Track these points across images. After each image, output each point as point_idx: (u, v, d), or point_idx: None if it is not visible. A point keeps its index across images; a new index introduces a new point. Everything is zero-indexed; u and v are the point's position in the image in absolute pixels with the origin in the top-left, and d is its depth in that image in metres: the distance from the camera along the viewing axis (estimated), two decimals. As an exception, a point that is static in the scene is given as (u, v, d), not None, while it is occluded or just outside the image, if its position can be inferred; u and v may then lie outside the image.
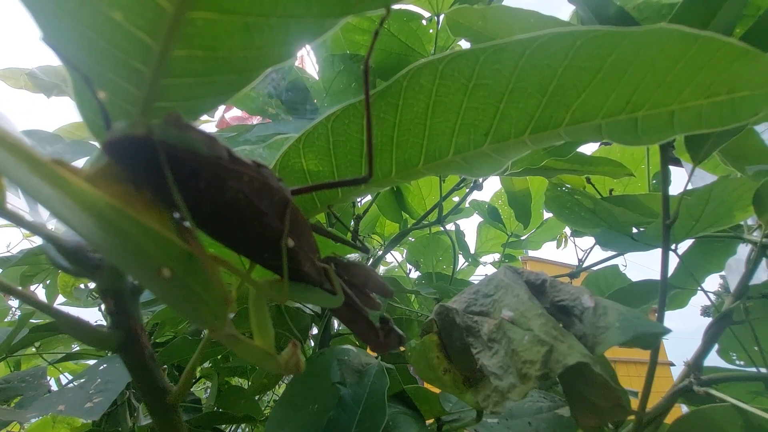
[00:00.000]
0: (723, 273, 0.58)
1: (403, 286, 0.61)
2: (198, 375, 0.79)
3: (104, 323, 0.19)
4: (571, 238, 0.73)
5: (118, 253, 0.10)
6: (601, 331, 0.25)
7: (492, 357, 0.27)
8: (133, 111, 0.14)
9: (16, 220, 0.13)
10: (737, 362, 0.47)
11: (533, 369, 0.23)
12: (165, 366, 0.63)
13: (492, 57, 0.16)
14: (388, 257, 0.98)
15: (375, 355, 0.49)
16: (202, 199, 0.12)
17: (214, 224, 0.13)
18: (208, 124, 0.85)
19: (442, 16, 0.56)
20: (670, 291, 0.55)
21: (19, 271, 0.68)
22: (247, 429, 0.80)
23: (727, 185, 0.39)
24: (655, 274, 0.39)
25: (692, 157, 0.34)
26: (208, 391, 0.73)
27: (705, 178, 0.51)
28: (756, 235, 0.44)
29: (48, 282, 0.81)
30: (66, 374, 0.83)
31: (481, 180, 0.65)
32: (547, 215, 0.80)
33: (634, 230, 0.51)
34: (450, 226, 0.81)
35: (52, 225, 0.15)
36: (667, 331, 0.26)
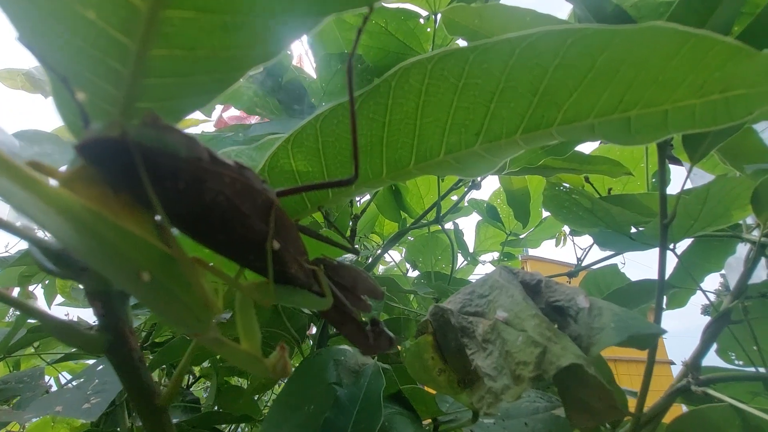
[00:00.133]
0: (723, 272, 0.58)
1: (401, 285, 0.61)
2: (197, 374, 0.79)
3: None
4: (570, 236, 0.73)
5: (95, 257, 0.10)
6: (596, 331, 0.25)
7: (486, 358, 0.26)
8: (114, 111, 0.13)
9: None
10: (736, 362, 0.47)
11: (527, 370, 0.23)
12: (164, 366, 0.63)
13: (481, 56, 0.16)
14: (387, 257, 0.98)
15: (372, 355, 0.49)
16: (182, 201, 0.12)
17: (196, 227, 0.13)
18: (206, 124, 0.85)
19: (439, 15, 0.55)
20: (669, 290, 0.55)
21: (18, 272, 0.68)
22: (246, 429, 0.80)
23: (725, 184, 0.39)
24: (655, 273, 0.38)
25: (689, 156, 0.34)
26: (207, 390, 0.73)
27: (705, 177, 0.51)
28: (755, 234, 0.44)
29: (47, 282, 0.80)
30: (65, 373, 0.83)
31: (479, 179, 0.64)
32: (545, 214, 0.79)
33: (633, 230, 0.51)
34: (449, 225, 0.81)
35: (37, 228, 0.15)
36: (663, 331, 0.26)
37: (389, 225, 0.89)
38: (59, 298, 0.81)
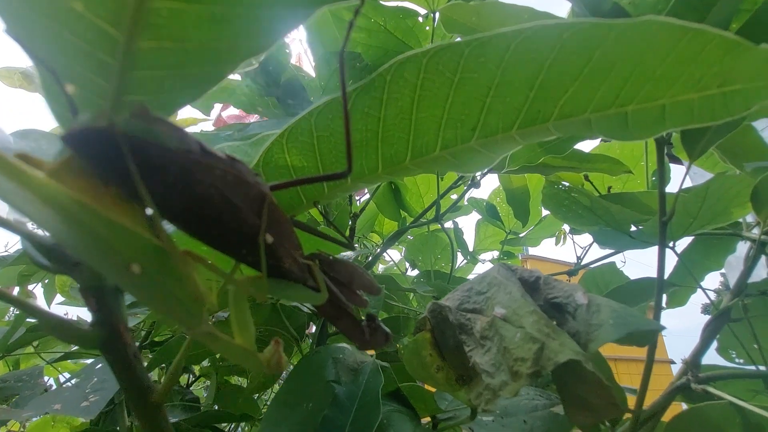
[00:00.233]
0: (723, 271, 0.58)
1: (400, 284, 0.61)
2: (197, 374, 0.79)
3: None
4: (570, 235, 0.73)
5: (84, 249, 0.10)
6: (594, 328, 0.25)
7: (484, 354, 0.26)
8: (104, 104, 0.13)
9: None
10: (736, 360, 0.47)
11: (524, 366, 0.23)
12: (163, 365, 0.63)
13: (477, 50, 0.16)
14: (387, 256, 0.98)
15: (371, 353, 0.49)
16: (172, 193, 0.12)
17: (188, 220, 0.13)
18: (205, 123, 0.85)
19: (438, 13, 0.55)
20: (669, 289, 0.55)
21: (17, 271, 0.68)
22: (246, 428, 0.80)
23: (725, 182, 0.39)
24: (655, 272, 0.38)
25: (688, 153, 0.34)
26: (207, 389, 0.73)
27: (705, 176, 0.51)
28: (754, 233, 0.44)
29: (47, 281, 0.80)
30: (65, 374, 0.83)
31: (478, 177, 0.64)
32: (545, 212, 0.79)
33: (633, 228, 0.50)
34: (448, 224, 0.81)
35: (29, 222, 0.15)
36: (662, 328, 0.26)
37: (389, 224, 0.89)
38: (59, 298, 0.81)
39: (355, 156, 0.19)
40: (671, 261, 0.61)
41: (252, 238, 0.14)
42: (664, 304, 0.43)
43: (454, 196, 0.73)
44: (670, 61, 0.16)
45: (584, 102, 0.17)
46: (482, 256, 0.93)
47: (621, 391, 0.36)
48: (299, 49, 0.98)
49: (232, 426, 0.77)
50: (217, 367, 0.66)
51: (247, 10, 0.12)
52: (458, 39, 0.16)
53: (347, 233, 0.68)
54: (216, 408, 0.63)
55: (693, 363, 0.39)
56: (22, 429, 0.85)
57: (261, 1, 0.12)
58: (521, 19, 0.35)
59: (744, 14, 0.35)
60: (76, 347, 0.76)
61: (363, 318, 0.19)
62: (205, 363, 0.67)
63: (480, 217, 0.88)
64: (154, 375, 0.71)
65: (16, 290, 0.75)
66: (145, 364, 0.49)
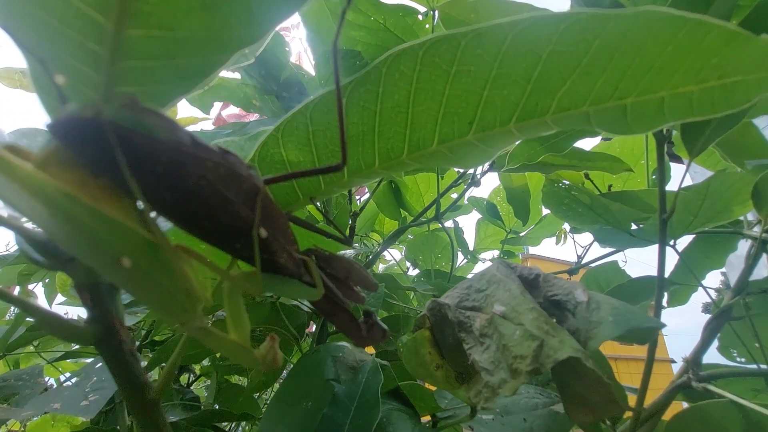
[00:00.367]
0: (724, 270, 0.57)
1: (400, 283, 0.61)
2: (197, 373, 0.79)
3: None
4: (570, 234, 0.73)
5: (74, 242, 0.10)
6: (594, 325, 0.24)
7: (483, 352, 0.26)
8: (94, 95, 0.13)
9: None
10: (738, 359, 0.46)
11: (524, 364, 0.23)
12: (163, 364, 0.63)
13: (474, 42, 0.16)
14: (387, 255, 0.98)
15: (371, 351, 0.48)
16: (163, 185, 0.12)
17: (180, 213, 0.13)
18: (205, 122, 0.85)
19: (437, 11, 0.55)
20: (670, 287, 0.54)
21: (18, 270, 0.68)
22: (246, 427, 0.80)
23: (725, 180, 0.39)
24: (655, 270, 0.38)
25: (688, 150, 0.34)
26: (208, 389, 0.73)
27: (706, 174, 0.51)
28: (756, 231, 0.43)
29: (47, 281, 0.81)
30: (66, 374, 0.83)
31: (478, 176, 0.64)
32: (546, 211, 0.79)
33: (633, 226, 0.50)
34: (449, 223, 0.80)
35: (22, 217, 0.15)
36: (662, 325, 0.26)
37: (389, 223, 0.89)
38: (60, 297, 0.81)
39: (352, 150, 0.18)
40: (672, 259, 0.61)
41: (246, 232, 0.14)
42: (664, 303, 0.43)
43: (455, 195, 0.73)
44: (669, 52, 0.16)
45: (582, 94, 0.17)
46: (482, 256, 0.93)
47: (621, 390, 0.36)
48: (299, 47, 0.98)
49: (233, 425, 0.77)
50: (218, 367, 0.66)
51: (238, -2, 0.12)
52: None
53: (347, 232, 0.68)
54: (216, 407, 0.63)
55: (694, 361, 0.39)
56: (22, 428, 0.85)
57: (251, -12, 0.12)
58: (520, 16, 0.34)
59: (743, 10, 0.34)
60: (76, 346, 0.76)
61: (362, 314, 0.19)
62: (206, 362, 0.67)
63: (480, 216, 0.88)
64: (154, 374, 0.71)
65: (16, 290, 0.75)
66: (146, 363, 0.49)
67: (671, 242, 0.44)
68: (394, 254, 0.97)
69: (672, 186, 0.38)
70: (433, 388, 0.39)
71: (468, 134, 0.18)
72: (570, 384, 0.26)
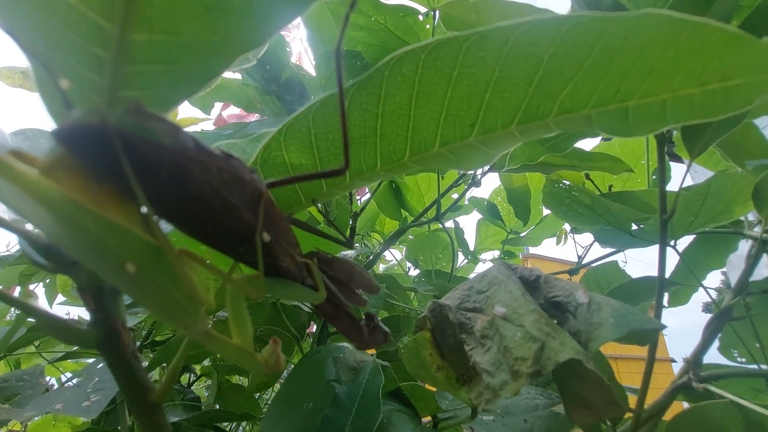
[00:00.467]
0: (724, 269, 0.57)
1: (401, 283, 0.61)
2: (198, 373, 0.79)
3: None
4: (571, 234, 0.73)
5: (78, 248, 0.10)
6: (594, 327, 0.24)
7: (484, 354, 0.26)
8: (99, 100, 0.13)
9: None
10: (738, 359, 0.46)
11: (525, 366, 0.23)
12: (164, 364, 0.63)
13: (475, 45, 0.16)
14: (388, 255, 0.98)
15: (371, 352, 0.48)
16: (167, 191, 0.12)
17: (183, 218, 0.13)
18: (206, 122, 0.85)
19: (438, 11, 0.55)
20: (671, 288, 0.54)
21: (18, 270, 0.68)
22: (247, 427, 0.80)
23: (726, 180, 0.39)
24: (656, 270, 0.38)
25: (689, 151, 0.34)
26: (208, 389, 0.73)
27: (707, 175, 0.51)
28: (756, 231, 0.43)
29: (48, 281, 0.81)
30: (67, 374, 0.83)
31: (479, 176, 0.64)
32: (546, 212, 0.79)
33: (634, 227, 0.50)
34: (449, 224, 0.80)
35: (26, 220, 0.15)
36: (663, 327, 0.26)
37: (390, 223, 0.89)
38: (61, 297, 0.81)
39: (354, 153, 0.18)
40: (672, 259, 0.61)
41: (249, 237, 0.14)
42: (665, 303, 0.43)
43: (455, 196, 0.73)
44: (671, 55, 0.16)
45: (584, 97, 0.17)
46: (483, 256, 0.93)
47: (622, 390, 0.36)
48: (300, 47, 0.98)
49: (233, 425, 0.77)
50: (218, 367, 0.66)
51: (242, 2, 0.12)
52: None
53: (348, 232, 0.68)
54: (217, 407, 0.63)
55: (694, 362, 0.39)
56: (23, 428, 0.85)
57: (255, -7, 0.12)
58: (520, 16, 0.34)
59: (744, 11, 0.34)
60: (77, 347, 0.76)
61: (363, 317, 0.19)
62: (206, 362, 0.67)
63: (481, 216, 0.88)
64: (155, 374, 0.71)
65: (17, 290, 0.75)
66: (147, 363, 0.49)
67: (672, 242, 0.44)
68: (394, 254, 0.97)
69: (672, 186, 0.38)
70: (434, 389, 0.39)
71: (470, 137, 0.18)
72: (571, 385, 0.26)
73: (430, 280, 0.71)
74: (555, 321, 0.25)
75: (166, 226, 0.15)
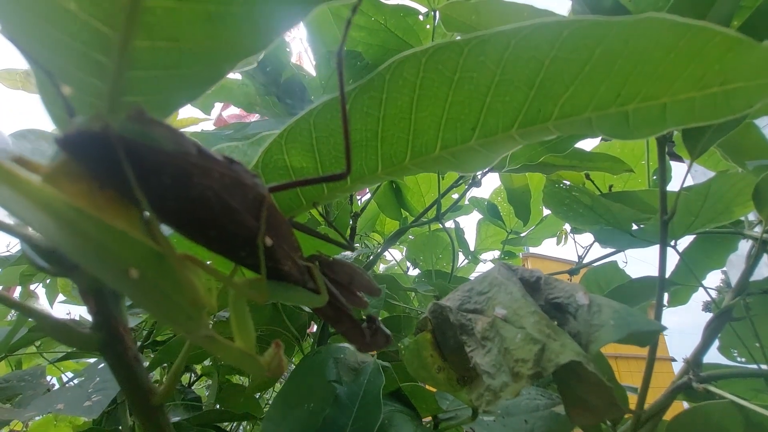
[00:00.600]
0: (725, 269, 0.58)
1: (401, 284, 0.61)
2: (199, 373, 0.79)
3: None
4: (571, 234, 0.73)
5: (82, 254, 0.10)
6: (595, 328, 0.25)
7: (485, 355, 0.26)
8: (101, 105, 0.13)
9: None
10: (738, 359, 0.47)
11: (525, 368, 0.23)
12: (165, 364, 0.63)
13: (476, 49, 0.16)
14: (388, 255, 0.98)
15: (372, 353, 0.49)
16: (169, 196, 0.12)
17: (186, 223, 0.13)
18: (206, 122, 0.85)
19: (438, 11, 0.55)
20: (671, 287, 0.54)
21: (19, 271, 0.68)
22: (247, 427, 0.81)
23: (726, 180, 0.39)
24: (656, 269, 0.38)
25: (689, 152, 0.34)
26: (209, 389, 0.73)
27: (708, 175, 0.51)
28: (756, 231, 0.43)
29: (48, 281, 0.81)
30: (68, 374, 0.83)
31: (479, 176, 0.64)
32: (546, 212, 0.79)
33: (634, 227, 0.50)
34: (449, 224, 0.81)
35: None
36: (663, 328, 0.26)
37: (390, 223, 0.89)
38: (61, 297, 0.81)
39: (355, 156, 0.19)
40: (672, 259, 0.61)
41: (251, 241, 0.14)
42: (665, 303, 0.43)
43: (455, 196, 0.73)
44: (672, 59, 0.16)
45: (585, 101, 0.17)
46: (483, 256, 0.93)
47: (622, 391, 0.36)
48: (299, 47, 0.98)
49: (234, 425, 0.77)
50: (219, 367, 0.66)
51: (243, 9, 0.12)
52: (458, 37, 0.16)
53: (348, 233, 0.68)
54: (218, 407, 0.63)
55: (694, 362, 0.39)
56: (24, 428, 0.85)
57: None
58: (521, 17, 0.34)
59: (745, 11, 0.34)
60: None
61: (363, 318, 0.19)
62: (207, 362, 0.67)
63: (481, 216, 0.88)
64: (156, 374, 0.71)
65: (18, 290, 0.75)
66: (147, 363, 0.49)
67: (672, 243, 0.44)
68: (394, 254, 0.97)
69: (672, 186, 0.38)
70: (435, 390, 0.39)
71: (471, 140, 0.18)
72: (571, 386, 0.26)
73: (430, 280, 0.71)
74: (555, 322, 0.25)
75: (165, 230, 0.15)
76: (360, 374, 0.37)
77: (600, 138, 0.60)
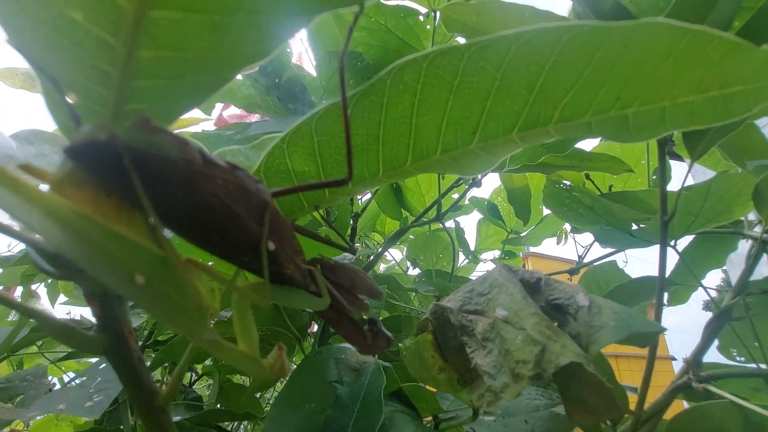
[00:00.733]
0: (725, 268, 0.58)
1: (401, 284, 0.61)
2: (200, 372, 0.79)
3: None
4: (571, 234, 0.73)
5: (88, 260, 0.10)
6: (595, 330, 0.25)
7: (486, 356, 0.26)
8: (105, 113, 0.13)
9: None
10: (738, 358, 0.47)
11: (526, 369, 0.23)
12: (166, 364, 0.64)
13: (477, 54, 0.16)
14: (388, 255, 0.98)
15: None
16: (174, 203, 0.12)
17: (190, 229, 0.13)
18: (206, 123, 0.85)
19: (439, 12, 0.55)
20: (671, 287, 0.55)
21: (20, 271, 0.68)
22: (248, 426, 0.81)
23: (726, 180, 0.39)
24: (656, 269, 0.38)
25: (690, 153, 0.34)
26: (210, 388, 0.74)
27: (708, 175, 0.51)
28: (756, 231, 0.44)
29: (50, 281, 0.81)
30: (70, 374, 0.84)
31: (479, 177, 0.64)
32: (546, 211, 0.79)
33: (634, 227, 0.50)
34: (450, 224, 0.81)
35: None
36: (663, 329, 0.26)
37: (390, 223, 0.89)
38: (62, 297, 0.82)
39: (356, 160, 0.19)
40: (673, 259, 0.61)
41: (254, 246, 0.14)
42: (665, 302, 0.43)
43: (456, 196, 0.73)
44: (671, 62, 0.16)
45: (585, 105, 0.17)
46: (484, 256, 0.93)
47: (622, 391, 0.36)
48: (300, 48, 0.98)
49: (235, 425, 0.78)
50: (220, 366, 0.66)
51: (247, 18, 0.12)
52: (459, 38, 0.16)
53: (349, 233, 0.68)
54: (219, 407, 0.63)
55: (694, 362, 0.39)
56: (25, 428, 0.86)
57: (261, 8, 0.12)
58: (522, 18, 0.35)
59: (747, 12, 0.34)
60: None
61: (364, 318, 0.19)
62: (208, 362, 0.67)
63: (481, 216, 0.88)
64: (156, 374, 0.71)
65: (19, 289, 0.75)
66: (149, 363, 0.49)
67: (672, 243, 0.44)
68: (395, 254, 0.97)
69: (672, 186, 0.38)
70: (435, 390, 0.39)
71: (471, 143, 0.19)
72: (571, 387, 0.26)
73: (430, 279, 0.71)
74: (556, 324, 0.25)
75: (168, 234, 0.15)
76: (361, 374, 0.37)
77: (600, 138, 0.60)
